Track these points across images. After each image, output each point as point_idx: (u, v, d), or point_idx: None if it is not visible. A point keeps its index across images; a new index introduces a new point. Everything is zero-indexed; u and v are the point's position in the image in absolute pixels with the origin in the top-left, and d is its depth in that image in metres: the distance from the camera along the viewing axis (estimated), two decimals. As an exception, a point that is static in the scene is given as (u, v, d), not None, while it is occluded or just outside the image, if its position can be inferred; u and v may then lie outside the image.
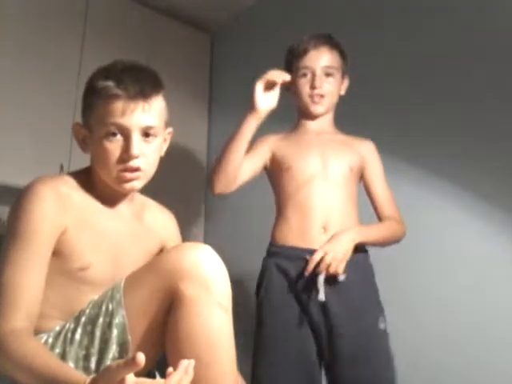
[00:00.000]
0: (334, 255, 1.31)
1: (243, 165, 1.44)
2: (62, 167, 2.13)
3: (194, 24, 2.80)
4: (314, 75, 1.45)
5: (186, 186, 2.58)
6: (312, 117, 1.51)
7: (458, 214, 1.67)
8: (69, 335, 0.91)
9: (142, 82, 1.01)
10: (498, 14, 1.66)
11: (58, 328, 0.95)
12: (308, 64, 1.46)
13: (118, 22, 2.48)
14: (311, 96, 1.46)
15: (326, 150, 1.49)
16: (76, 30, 2.32)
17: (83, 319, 0.93)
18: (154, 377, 1.05)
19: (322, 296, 1.29)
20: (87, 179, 1.08)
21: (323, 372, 1.40)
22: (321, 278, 1.31)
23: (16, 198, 0.98)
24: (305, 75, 1.47)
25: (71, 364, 0.89)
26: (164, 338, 0.91)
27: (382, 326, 1.36)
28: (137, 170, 1.02)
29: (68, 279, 0.98)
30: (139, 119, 1.01)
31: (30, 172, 1.99)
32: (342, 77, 1.51)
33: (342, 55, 1.51)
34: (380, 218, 1.49)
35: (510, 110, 1.58)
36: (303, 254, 1.36)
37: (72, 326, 0.94)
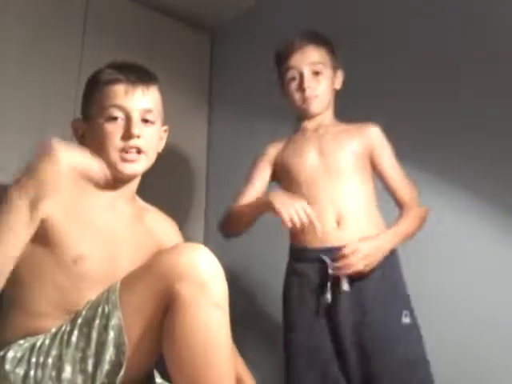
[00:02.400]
0: (364, 255, 1.29)
1: (251, 193, 1.47)
2: (61, 167, 2.13)
3: (194, 24, 2.80)
4: (302, 77, 1.43)
5: (185, 186, 2.58)
6: (308, 117, 1.49)
7: (461, 215, 1.66)
8: (65, 337, 0.91)
9: (141, 71, 1.10)
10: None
11: (54, 330, 0.95)
12: (294, 66, 1.44)
13: (118, 22, 2.48)
14: (303, 99, 1.44)
15: (324, 141, 1.46)
16: (76, 30, 2.32)
17: (79, 321, 0.92)
18: (152, 378, 1.05)
19: (345, 286, 1.30)
20: None
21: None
22: (344, 281, 1.31)
23: None
24: (294, 79, 1.44)
25: (68, 367, 0.89)
26: (161, 339, 0.90)
27: (406, 320, 1.31)
28: (138, 151, 1.05)
29: (63, 273, 0.98)
30: (140, 102, 1.06)
31: (29, 172, 2.01)
32: (334, 71, 1.49)
33: (330, 50, 1.48)
34: (399, 204, 1.44)
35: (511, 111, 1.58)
36: (319, 255, 1.35)
37: (68, 328, 0.93)
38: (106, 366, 0.88)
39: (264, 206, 1.31)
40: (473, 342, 1.54)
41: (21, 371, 0.90)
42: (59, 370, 0.88)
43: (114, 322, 0.89)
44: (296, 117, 1.54)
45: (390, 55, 1.94)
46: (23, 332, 0.96)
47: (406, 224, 1.40)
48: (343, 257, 1.29)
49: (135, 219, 1.14)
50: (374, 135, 1.47)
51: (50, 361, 0.89)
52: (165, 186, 2.43)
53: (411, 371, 1.26)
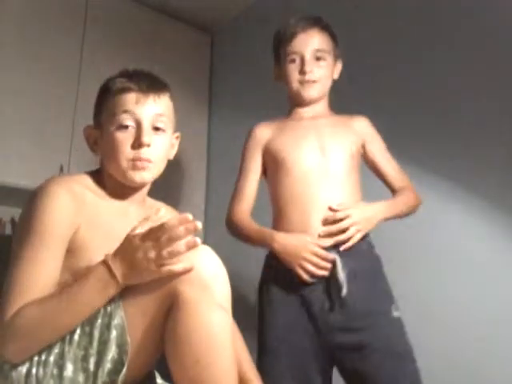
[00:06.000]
0: (356, 221, 1.28)
1: (250, 190, 1.44)
2: (61, 167, 2.13)
3: (194, 24, 2.80)
4: (303, 60, 1.38)
5: (186, 185, 2.58)
6: (305, 103, 1.43)
7: (457, 214, 1.67)
8: (67, 336, 0.91)
9: (152, 80, 1.09)
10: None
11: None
12: (296, 49, 1.39)
13: (118, 22, 2.48)
14: (301, 82, 1.39)
15: (324, 136, 1.40)
16: (76, 30, 2.32)
17: (82, 320, 0.93)
18: (153, 378, 1.05)
19: (344, 289, 1.25)
20: (99, 180, 1.10)
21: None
22: (339, 264, 1.26)
23: (29, 197, 0.99)
24: (293, 61, 1.39)
25: (70, 365, 0.89)
26: (163, 339, 0.90)
27: (395, 314, 1.27)
28: (147, 160, 1.05)
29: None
30: (150, 109, 1.06)
31: (30, 172, 2.01)
32: (335, 60, 1.45)
33: (333, 37, 1.44)
34: (393, 192, 1.43)
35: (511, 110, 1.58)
36: None
37: (70, 326, 0.93)
38: (107, 365, 0.88)
39: (270, 249, 1.35)
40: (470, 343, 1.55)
41: (23, 369, 0.90)
42: (61, 368, 0.88)
43: (116, 321, 0.89)
44: (291, 102, 1.48)
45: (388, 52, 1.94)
46: None
47: (401, 201, 1.40)
48: (335, 221, 1.28)
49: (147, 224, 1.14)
50: (365, 127, 1.46)
51: (51, 359, 0.89)
52: (165, 185, 2.43)
53: (405, 363, 1.24)
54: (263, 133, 1.46)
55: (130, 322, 0.90)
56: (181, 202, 2.52)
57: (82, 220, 0.99)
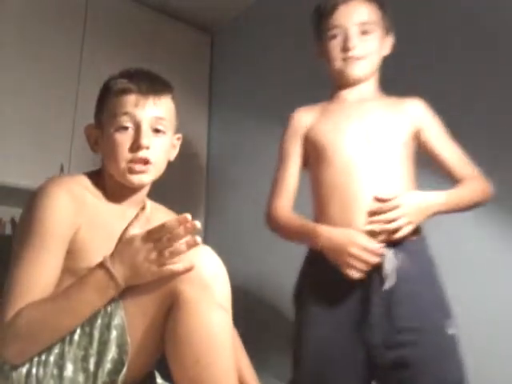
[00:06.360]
0: (407, 212, 1.13)
1: (290, 182, 1.29)
2: (62, 167, 2.13)
3: (194, 24, 2.80)
4: (346, 35, 1.22)
5: (186, 185, 2.58)
6: (349, 83, 1.27)
7: (458, 214, 1.66)
8: (67, 336, 0.91)
9: (153, 81, 1.08)
10: None
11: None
12: (337, 22, 1.23)
13: (118, 22, 2.48)
14: (345, 59, 1.23)
15: (370, 121, 1.25)
16: (76, 30, 2.32)
17: (81, 320, 0.93)
18: (153, 378, 1.06)
19: (390, 280, 1.12)
20: (98, 181, 1.10)
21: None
22: (388, 255, 1.13)
23: (29, 198, 1.00)
24: (334, 36, 1.24)
25: (70, 365, 0.89)
26: (163, 339, 0.90)
27: (450, 331, 1.14)
28: (146, 162, 1.04)
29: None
30: (150, 111, 1.05)
31: (30, 172, 2.01)
32: (385, 33, 1.29)
33: (382, 8, 1.28)
34: (456, 183, 1.26)
35: None
36: None
37: (71, 326, 0.94)
38: (107, 365, 0.88)
39: (314, 245, 1.20)
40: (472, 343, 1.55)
41: (23, 369, 0.90)
42: (61, 368, 0.89)
43: (116, 321, 0.90)
44: (334, 83, 1.33)
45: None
46: None
47: (463, 192, 1.23)
48: (382, 212, 1.14)
49: (145, 223, 1.14)
50: (420, 110, 1.30)
51: (51, 359, 0.90)
52: (165, 185, 2.43)
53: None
54: (302, 119, 1.32)
55: (130, 322, 0.90)
56: (181, 202, 2.52)
57: (83, 221, 0.99)
